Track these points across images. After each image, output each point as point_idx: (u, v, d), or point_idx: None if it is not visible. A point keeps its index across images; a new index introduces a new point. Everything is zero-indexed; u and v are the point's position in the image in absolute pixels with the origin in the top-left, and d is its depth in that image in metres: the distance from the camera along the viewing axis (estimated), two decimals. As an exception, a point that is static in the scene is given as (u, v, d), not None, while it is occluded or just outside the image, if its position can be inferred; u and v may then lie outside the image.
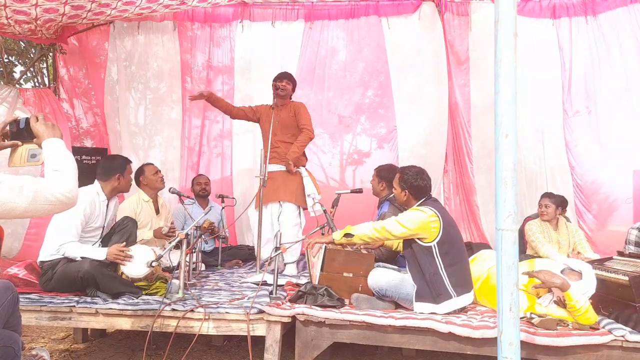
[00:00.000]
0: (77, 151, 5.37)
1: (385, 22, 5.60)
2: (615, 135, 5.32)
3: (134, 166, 4.33)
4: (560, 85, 5.46)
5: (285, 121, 4.19)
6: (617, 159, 5.30)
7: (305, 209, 4.18)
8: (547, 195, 4.34)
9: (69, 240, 3.01)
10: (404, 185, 2.99)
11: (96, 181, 3.32)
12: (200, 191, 4.81)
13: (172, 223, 3.94)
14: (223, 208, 4.88)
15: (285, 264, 4.11)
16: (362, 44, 5.77)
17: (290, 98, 4.35)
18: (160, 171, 4.13)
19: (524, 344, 2.35)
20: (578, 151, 5.44)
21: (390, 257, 3.59)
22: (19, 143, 1.74)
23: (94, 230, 3.23)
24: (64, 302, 2.85)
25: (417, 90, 5.67)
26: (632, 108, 5.25)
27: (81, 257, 3.00)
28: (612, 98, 5.32)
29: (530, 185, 5.48)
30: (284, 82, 4.19)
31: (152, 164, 4.18)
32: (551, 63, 5.46)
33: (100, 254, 3.04)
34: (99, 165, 3.47)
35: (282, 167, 4.15)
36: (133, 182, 4.13)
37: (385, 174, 3.96)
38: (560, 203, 4.31)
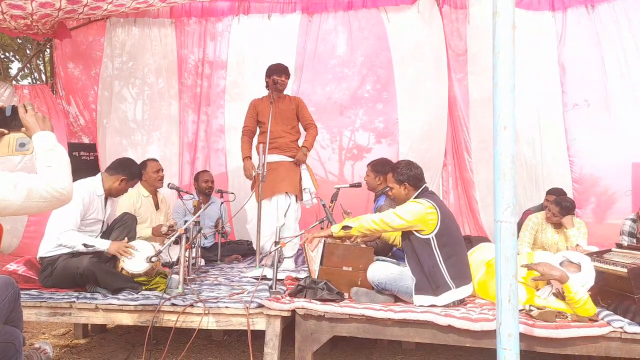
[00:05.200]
0: (74, 147, 5.37)
1: (385, 15, 5.58)
2: (614, 128, 5.30)
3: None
4: (559, 77, 5.44)
5: (285, 113, 4.18)
6: (616, 151, 5.29)
7: (301, 200, 4.18)
8: (559, 203, 3.98)
9: (68, 228, 2.98)
10: (401, 178, 3.00)
11: (100, 173, 3.28)
12: (207, 189, 4.74)
13: (171, 221, 3.91)
14: (222, 203, 4.88)
15: (283, 258, 4.11)
16: (362, 37, 5.75)
17: None
18: (162, 170, 4.10)
19: (523, 336, 2.35)
20: (577, 144, 5.43)
21: (385, 249, 3.60)
22: (5, 131, 1.68)
23: (94, 224, 3.21)
24: (63, 298, 2.85)
25: (417, 84, 5.66)
26: (631, 100, 5.24)
27: (83, 245, 2.97)
28: (611, 90, 5.30)
29: (529, 177, 5.48)
30: (283, 77, 4.15)
31: (155, 161, 4.13)
32: (550, 55, 5.44)
33: (102, 244, 3.03)
34: (118, 159, 3.44)
35: (283, 158, 4.11)
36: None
37: (380, 167, 3.98)
38: (569, 212, 4.00)
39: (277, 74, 4.13)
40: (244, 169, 4.12)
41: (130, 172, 3.31)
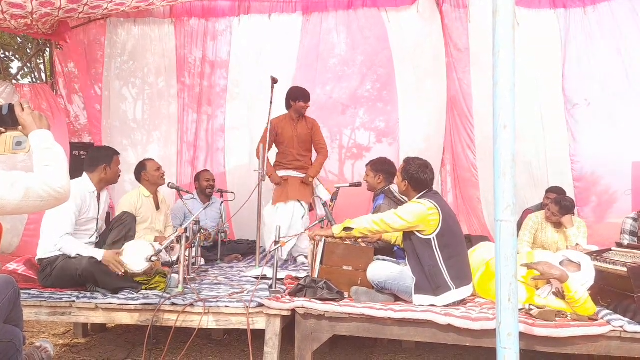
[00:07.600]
0: (75, 147, 5.35)
1: (385, 15, 5.58)
2: (614, 127, 5.30)
3: (133, 161, 4.31)
4: (560, 76, 5.43)
5: (303, 137, 4.57)
6: (617, 150, 5.29)
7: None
8: (558, 203, 3.96)
9: (66, 231, 2.97)
10: (406, 175, 3.00)
11: (84, 174, 3.25)
12: (208, 188, 4.76)
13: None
14: (222, 203, 4.88)
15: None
16: (362, 37, 5.74)
17: None
18: (161, 167, 4.12)
19: (523, 335, 2.35)
20: (578, 143, 5.42)
21: (387, 248, 3.59)
22: (2, 130, 1.67)
23: (88, 223, 3.19)
24: (63, 298, 2.85)
25: (417, 83, 5.65)
26: (631, 100, 5.23)
27: (77, 255, 2.97)
28: (612, 89, 5.29)
29: (529, 176, 5.48)
30: (308, 104, 4.51)
31: (153, 160, 4.16)
32: (551, 54, 5.43)
33: (97, 254, 3.00)
34: (87, 156, 3.42)
35: (295, 174, 4.54)
36: (133, 177, 4.14)
37: (380, 167, 3.96)
38: (568, 211, 3.97)
39: (304, 100, 4.47)
40: (271, 178, 4.47)
41: (104, 157, 3.28)
